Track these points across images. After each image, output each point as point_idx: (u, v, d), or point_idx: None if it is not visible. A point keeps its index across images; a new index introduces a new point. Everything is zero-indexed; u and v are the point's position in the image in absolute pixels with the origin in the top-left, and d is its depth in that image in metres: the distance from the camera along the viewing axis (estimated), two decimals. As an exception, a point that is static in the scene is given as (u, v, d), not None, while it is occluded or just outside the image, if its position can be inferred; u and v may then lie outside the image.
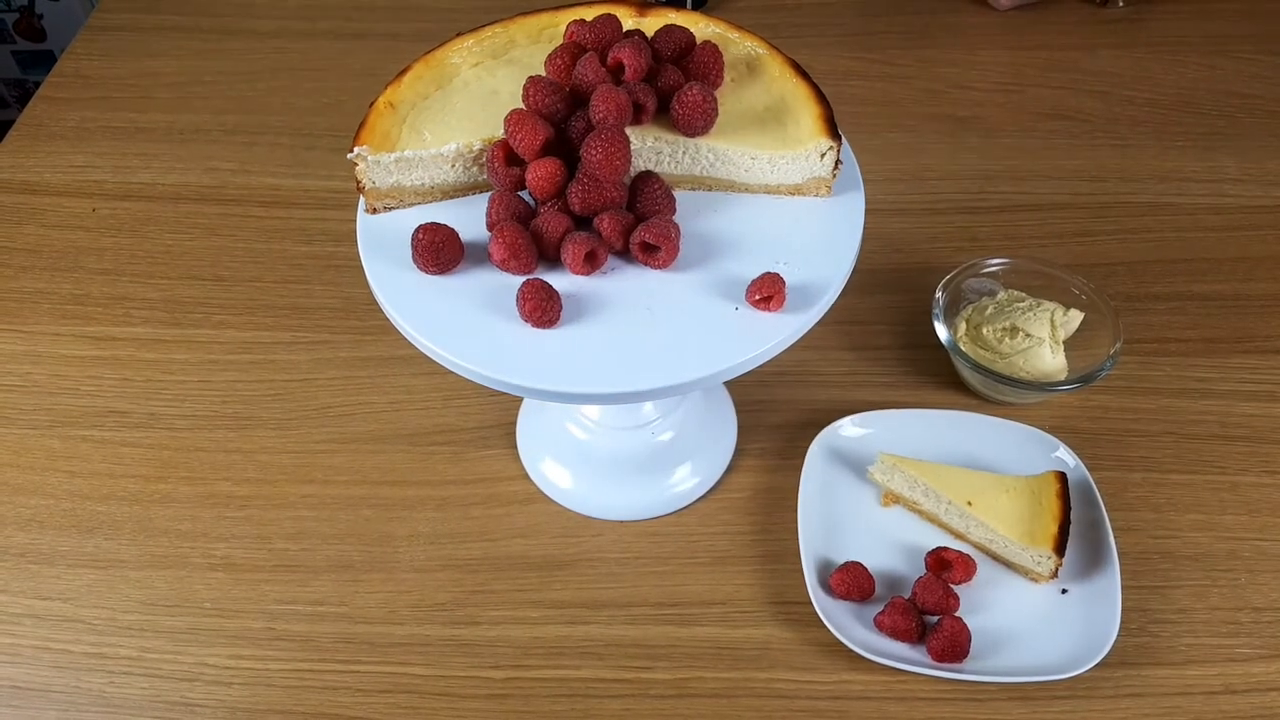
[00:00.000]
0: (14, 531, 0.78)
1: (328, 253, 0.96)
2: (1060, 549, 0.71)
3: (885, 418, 0.81)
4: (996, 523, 0.72)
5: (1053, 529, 0.71)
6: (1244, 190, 1.01)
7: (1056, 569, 0.71)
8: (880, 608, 0.70)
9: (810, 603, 0.70)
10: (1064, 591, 0.72)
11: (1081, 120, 1.09)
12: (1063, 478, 0.74)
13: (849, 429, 0.80)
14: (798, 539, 0.73)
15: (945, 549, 0.73)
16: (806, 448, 0.78)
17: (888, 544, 0.75)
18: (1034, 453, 0.79)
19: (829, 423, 0.80)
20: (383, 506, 0.79)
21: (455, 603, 0.74)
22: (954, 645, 0.68)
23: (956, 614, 0.70)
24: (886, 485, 0.77)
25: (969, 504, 0.73)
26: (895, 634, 0.69)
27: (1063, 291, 0.85)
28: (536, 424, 0.82)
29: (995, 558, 0.74)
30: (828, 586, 0.72)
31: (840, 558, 0.73)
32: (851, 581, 0.71)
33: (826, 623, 0.69)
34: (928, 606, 0.70)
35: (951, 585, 0.71)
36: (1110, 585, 0.71)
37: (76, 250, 0.97)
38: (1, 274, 0.95)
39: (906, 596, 0.71)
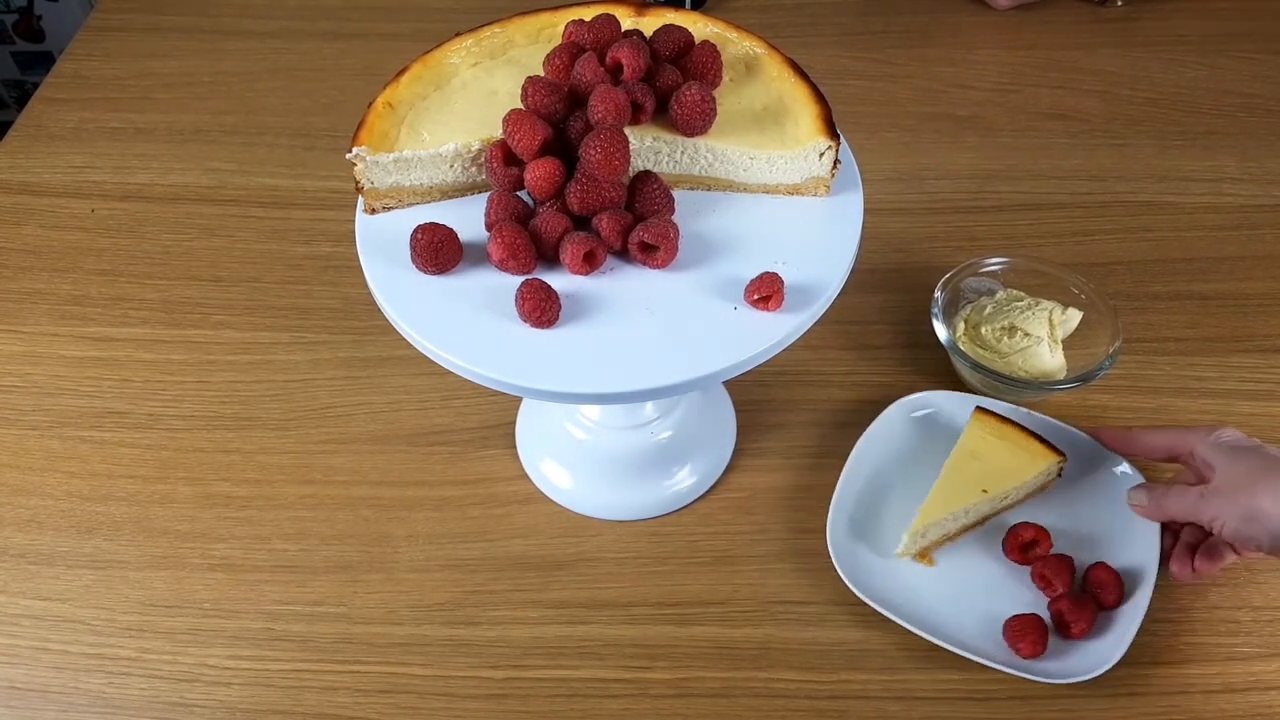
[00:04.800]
0: (13, 532, 0.78)
1: (326, 253, 0.96)
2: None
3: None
4: (1014, 480, 0.73)
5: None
6: (1243, 189, 1.01)
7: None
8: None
9: (810, 602, 0.70)
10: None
11: (1080, 119, 1.09)
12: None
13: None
14: (797, 540, 0.73)
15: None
16: (806, 447, 0.78)
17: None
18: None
19: (828, 422, 0.80)
20: (382, 507, 0.79)
21: (454, 603, 0.74)
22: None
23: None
24: (920, 547, 0.74)
25: (984, 491, 0.73)
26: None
27: (1061, 290, 0.85)
28: (536, 424, 0.82)
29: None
30: (1003, 638, 0.69)
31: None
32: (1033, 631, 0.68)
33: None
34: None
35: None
36: (1110, 584, 0.71)
37: (75, 251, 0.97)
38: (0, 274, 0.95)
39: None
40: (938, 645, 0.68)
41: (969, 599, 0.72)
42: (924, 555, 0.74)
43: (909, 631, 0.68)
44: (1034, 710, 0.68)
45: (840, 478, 0.75)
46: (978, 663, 0.68)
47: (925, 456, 0.77)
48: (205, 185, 1.03)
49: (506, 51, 0.67)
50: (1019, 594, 0.72)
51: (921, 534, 0.72)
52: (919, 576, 0.73)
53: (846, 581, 0.70)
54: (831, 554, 0.71)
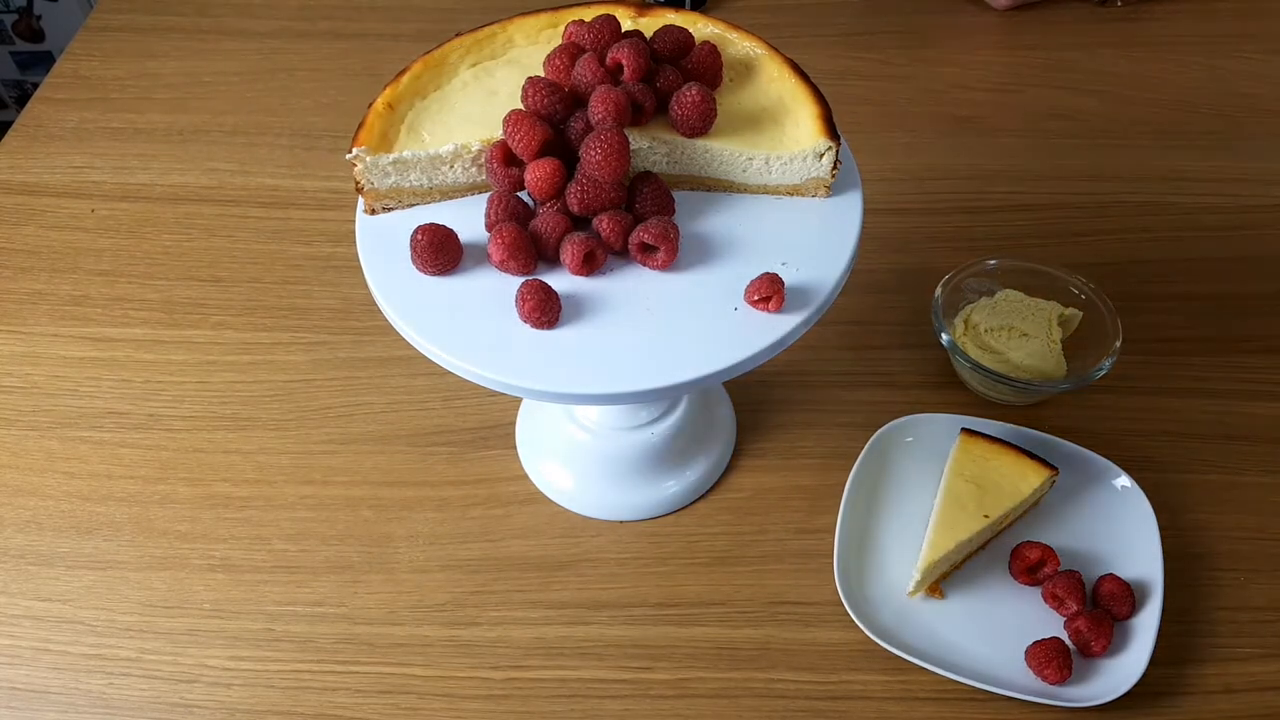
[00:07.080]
0: (13, 533, 0.78)
1: (327, 253, 0.96)
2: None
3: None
4: (1012, 501, 0.72)
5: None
6: (1243, 190, 1.01)
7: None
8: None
9: (810, 602, 0.70)
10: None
11: (1080, 120, 1.09)
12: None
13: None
14: (797, 540, 0.73)
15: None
16: (806, 448, 0.78)
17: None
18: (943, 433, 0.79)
19: (828, 422, 0.80)
20: (382, 507, 0.79)
21: (455, 603, 0.74)
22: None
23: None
24: (930, 582, 0.73)
25: (986, 517, 0.72)
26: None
27: (1061, 291, 0.85)
28: (536, 424, 0.82)
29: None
30: (1027, 665, 0.68)
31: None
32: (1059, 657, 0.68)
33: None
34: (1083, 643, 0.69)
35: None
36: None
37: (75, 251, 0.97)
38: (0, 275, 0.95)
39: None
40: (968, 685, 0.67)
41: (985, 629, 0.71)
42: (934, 589, 0.73)
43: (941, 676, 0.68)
44: (1032, 712, 0.68)
45: (837, 522, 0.73)
46: (1003, 695, 0.67)
47: (916, 484, 0.77)
48: (205, 185, 1.03)
49: (507, 52, 0.67)
50: (1033, 616, 0.71)
51: (931, 570, 0.71)
52: (933, 613, 0.71)
53: (870, 634, 0.68)
54: (846, 606, 0.70)
